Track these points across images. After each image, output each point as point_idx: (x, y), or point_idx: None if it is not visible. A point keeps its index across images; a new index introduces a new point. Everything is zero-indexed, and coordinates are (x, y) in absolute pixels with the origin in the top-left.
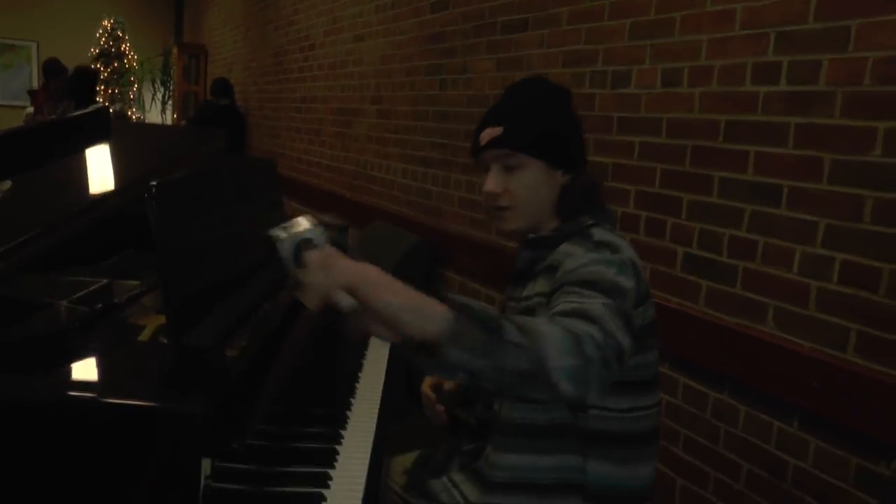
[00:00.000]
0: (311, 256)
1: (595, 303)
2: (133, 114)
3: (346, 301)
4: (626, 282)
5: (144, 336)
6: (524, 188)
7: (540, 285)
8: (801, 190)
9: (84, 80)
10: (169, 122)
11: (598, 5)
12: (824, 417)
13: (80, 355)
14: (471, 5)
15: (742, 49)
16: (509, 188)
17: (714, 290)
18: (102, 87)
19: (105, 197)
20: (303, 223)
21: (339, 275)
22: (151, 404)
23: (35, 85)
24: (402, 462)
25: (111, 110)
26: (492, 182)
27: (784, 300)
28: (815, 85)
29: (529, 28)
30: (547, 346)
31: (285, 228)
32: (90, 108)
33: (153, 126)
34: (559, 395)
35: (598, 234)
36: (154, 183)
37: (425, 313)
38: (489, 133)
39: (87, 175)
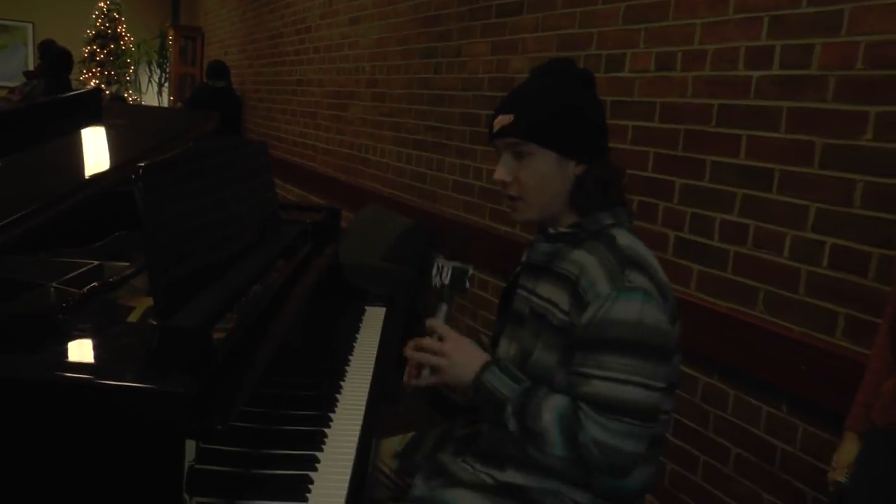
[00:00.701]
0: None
1: (626, 389)
2: (129, 96)
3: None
4: (659, 320)
5: (134, 318)
6: (534, 178)
7: (552, 291)
8: (792, 174)
9: (60, 61)
10: (165, 104)
11: None
12: (813, 401)
13: (68, 336)
14: None
15: (735, 33)
16: (519, 177)
17: (705, 274)
18: (98, 69)
19: (95, 178)
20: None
21: (456, 372)
22: (132, 384)
23: (31, 66)
24: (392, 444)
25: (107, 92)
26: (501, 170)
27: (774, 284)
28: (808, 69)
29: (524, 12)
30: (544, 444)
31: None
32: (83, 89)
33: (145, 108)
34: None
35: (622, 239)
36: (142, 164)
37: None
38: (501, 120)
39: (77, 156)
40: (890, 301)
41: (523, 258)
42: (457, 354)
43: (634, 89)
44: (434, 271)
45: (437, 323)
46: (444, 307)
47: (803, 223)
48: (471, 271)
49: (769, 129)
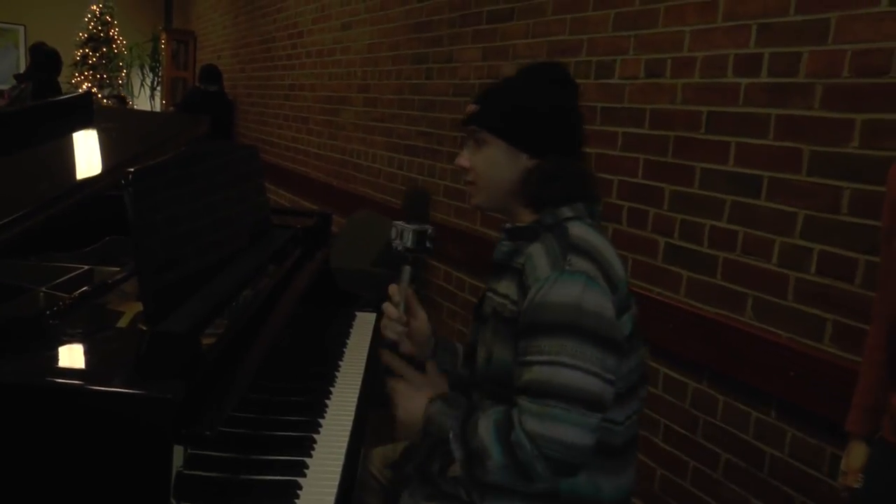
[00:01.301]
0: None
1: (559, 371)
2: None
3: None
4: (601, 305)
5: (123, 322)
6: (484, 165)
7: (507, 286)
8: (780, 181)
9: (49, 62)
10: (157, 108)
11: None
12: (801, 407)
13: (57, 340)
14: None
15: (724, 40)
16: (474, 164)
17: (694, 280)
18: (90, 72)
19: (86, 182)
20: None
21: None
22: (121, 389)
23: (22, 69)
24: (386, 453)
25: (99, 96)
26: (461, 156)
27: (763, 290)
28: (795, 77)
29: (515, 18)
30: (484, 458)
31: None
32: (75, 93)
33: (137, 112)
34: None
35: (574, 229)
36: (131, 169)
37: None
38: (469, 110)
39: (68, 160)
40: (886, 302)
41: None
42: (402, 401)
43: (624, 96)
44: (393, 234)
45: (395, 289)
46: (407, 269)
47: (791, 230)
48: (430, 230)
49: (757, 136)
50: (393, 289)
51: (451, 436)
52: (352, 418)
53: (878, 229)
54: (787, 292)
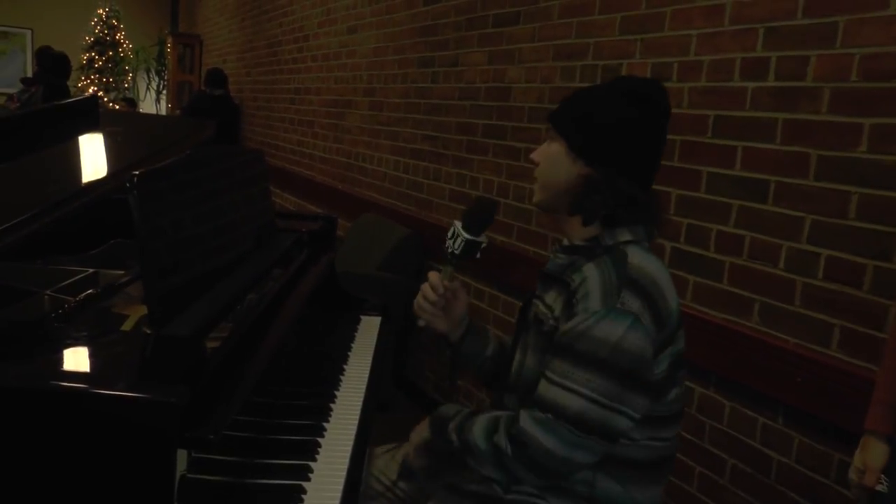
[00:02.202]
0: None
1: (576, 400)
2: None
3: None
4: (641, 348)
5: (127, 326)
6: (546, 161)
7: (552, 298)
8: (787, 185)
9: (57, 65)
10: (163, 111)
11: None
12: (808, 413)
13: (62, 344)
14: None
15: (731, 44)
16: (539, 159)
17: (701, 285)
18: (96, 76)
19: (91, 185)
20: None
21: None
22: (125, 393)
23: (29, 73)
24: (386, 456)
25: (105, 99)
26: (535, 151)
27: (770, 296)
28: (803, 81)
29: (521, 21)
30: (481, 465)
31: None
32: (81, 97)
33: (142, 115)
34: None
35: (634, 257)
36: (136, 172)
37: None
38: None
39: (74, 163)
40: None
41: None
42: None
43: None
44: (449, 233)
45: (438, 281)
46: (448, 269)
47: (798, 235)
48: (484, 243)
49: (764, 140)
50: (434, 276)
51: (450, 425)
52: (356, 422)
53: (886, 234)
54: (794, 298)
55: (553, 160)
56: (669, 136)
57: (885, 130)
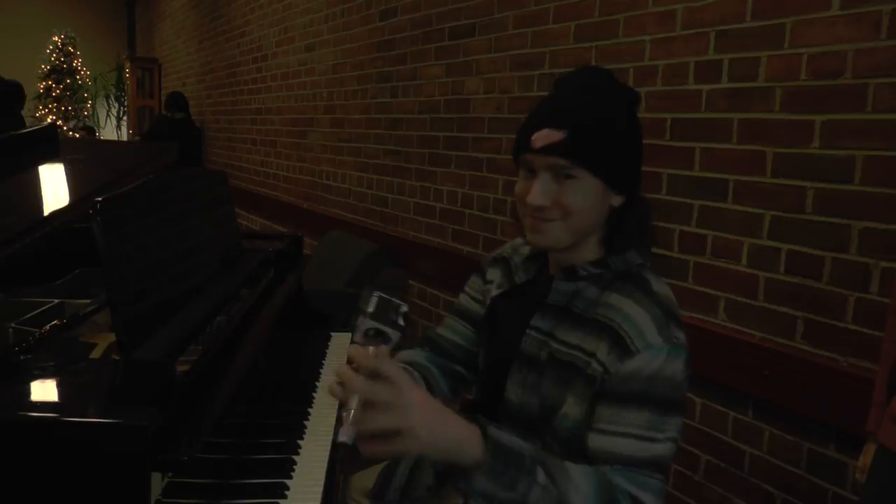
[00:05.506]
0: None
1: (668, 447)
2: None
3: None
4: (687, 377)
5: (96, 354)
6: (579, 204)
7: (583, 339)
8: (746, 183)
9: (11, 95)
10: (125, 138)
11: (542, 9)
12: (776, 405)
13: (29, 375)
14: (418, 12)
15: (684, 48)
16: (561, 201)
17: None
18: (54, 104)
19: (53, 215)
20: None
21: (407, 417)
22: (96, 419)
23: None
24: (364, 480)
25: (65, 128)
26: (539, 193)
27: (734, 292)
28: (755, 81)
29: (477, 33)
30: (575, 497)
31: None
32: (39, 125)
33: (103, 142)
34: None
35: (656, 285)
36: (98, 199)
37: (464, 448)
38: (547, 136)
39: (35, 193)
40: None
41: (514, 281)
42: (421, 416)
43: None
44: (361, 300)
45: (359, 352)
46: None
47: (759, 231)
48: (404, 308)
49: (721, 140)
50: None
51: (526, 457)
52: (331, 438)
53: (842, 227)
54: (758, 292)
55: (591, 204)
56: None
57: (836, 126)
